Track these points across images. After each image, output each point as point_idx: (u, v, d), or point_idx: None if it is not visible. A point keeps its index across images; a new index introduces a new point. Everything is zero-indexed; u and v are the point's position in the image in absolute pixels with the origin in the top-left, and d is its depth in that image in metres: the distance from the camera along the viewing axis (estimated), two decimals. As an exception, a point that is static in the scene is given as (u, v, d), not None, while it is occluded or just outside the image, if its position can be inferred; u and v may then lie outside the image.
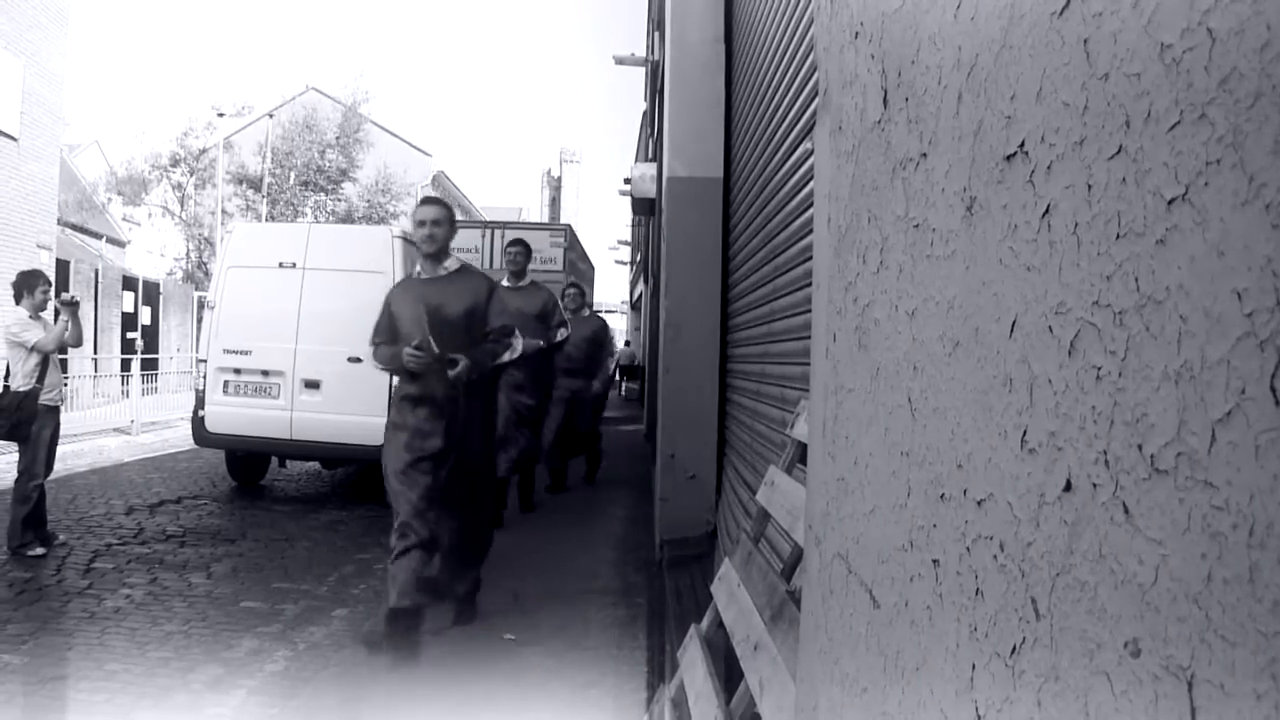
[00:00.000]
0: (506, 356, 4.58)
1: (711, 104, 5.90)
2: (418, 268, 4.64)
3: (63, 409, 6.48)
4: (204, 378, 8.23)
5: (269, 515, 7.47)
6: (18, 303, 6.11)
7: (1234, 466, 0.50)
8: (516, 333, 4.63)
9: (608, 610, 4.78)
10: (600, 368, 9.12)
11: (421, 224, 4.49)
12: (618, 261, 40.91)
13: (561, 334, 7.14)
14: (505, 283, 6.85)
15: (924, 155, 0.97)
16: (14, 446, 6.15)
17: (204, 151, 31.26)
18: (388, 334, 4.53)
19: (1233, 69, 0.51)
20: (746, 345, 4.81)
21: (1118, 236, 0.61)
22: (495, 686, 3.63)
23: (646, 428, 13.04)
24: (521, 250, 7.18)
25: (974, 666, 0.80)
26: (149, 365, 17.60)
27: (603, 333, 9.15)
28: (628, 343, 28.34)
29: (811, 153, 2.40)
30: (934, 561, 0.90)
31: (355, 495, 8.51)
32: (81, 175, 28.49)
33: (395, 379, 5.25)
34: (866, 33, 1.19)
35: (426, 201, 4.78)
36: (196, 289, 24.02)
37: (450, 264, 4.57)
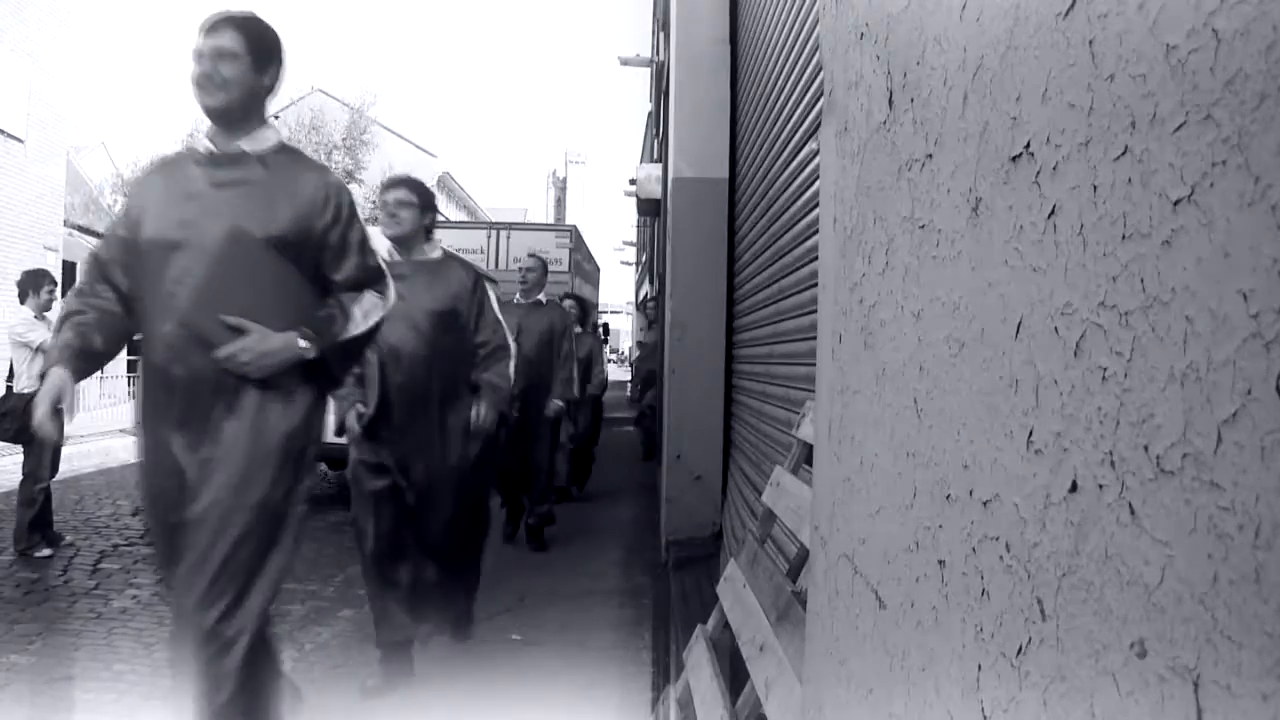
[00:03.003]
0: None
1: (716, 105, 5.90)
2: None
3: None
4: (210, 379, 8.23)
5: (275, 516, 7.47)
6: (22, 302, 6.09)
7: (1240, 467, 0.50)
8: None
9: (613, 611, 4.78)
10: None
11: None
12: (623, 262, 40.96)
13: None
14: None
15: (929, 156, 0.97)
16: (18, 448, 6.15)
17: (210, 153, 31.29)
18: None
19: (1238, 70, 0.51)
20: (752, 346, 4.81)
21: (1123, 237, 0.61)
22: (500, 686, 3.64)
23: (651, 428, 13.04)
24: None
25: (980, 667, 0.80)
26: (155, 366, 17.61)
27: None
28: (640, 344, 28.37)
29: (817, 153, 2.41)
30: (940, 562, 0.90)
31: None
32: (88, 177, 28.55)
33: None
34: (872, 34, 1.19)
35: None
36: (202, 290, 24.03)
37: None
